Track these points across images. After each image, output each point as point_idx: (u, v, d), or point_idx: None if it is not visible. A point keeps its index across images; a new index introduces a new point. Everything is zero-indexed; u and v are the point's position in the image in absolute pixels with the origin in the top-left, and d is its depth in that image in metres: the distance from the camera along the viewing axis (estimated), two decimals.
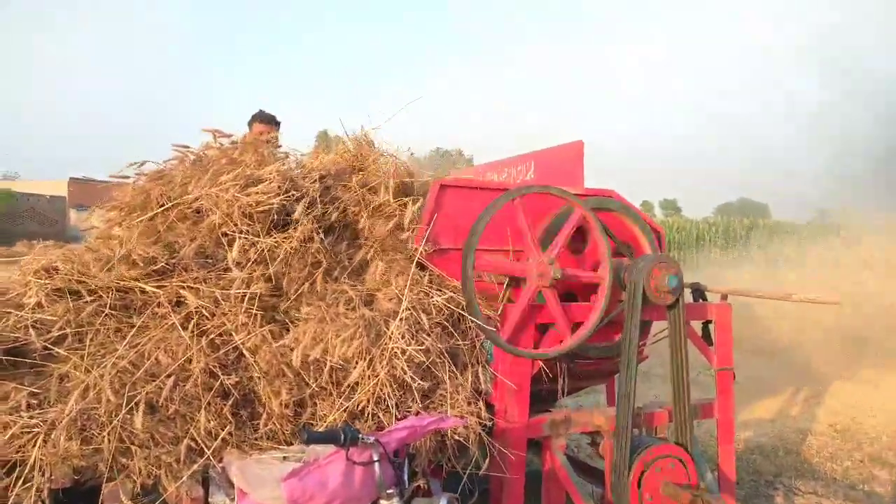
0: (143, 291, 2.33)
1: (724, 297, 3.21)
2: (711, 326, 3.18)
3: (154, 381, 2.17)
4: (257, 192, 2.33)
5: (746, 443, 5.48)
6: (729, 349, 3.11)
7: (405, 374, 2.30)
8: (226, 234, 2.33)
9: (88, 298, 2.26)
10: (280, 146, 4.25)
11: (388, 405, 2.35)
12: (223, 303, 2.28)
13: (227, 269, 2.33)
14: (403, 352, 2.29)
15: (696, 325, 3.19)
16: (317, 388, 2.33)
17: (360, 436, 1.70)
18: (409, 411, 2.41)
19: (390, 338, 2.34)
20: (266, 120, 4.30)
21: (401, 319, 2.39)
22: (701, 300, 3.25)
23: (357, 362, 2.26)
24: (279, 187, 2.38)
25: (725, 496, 2.98)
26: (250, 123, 4.31)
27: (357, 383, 2.31)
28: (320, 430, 2.10)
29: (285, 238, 2.38)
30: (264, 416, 2.31)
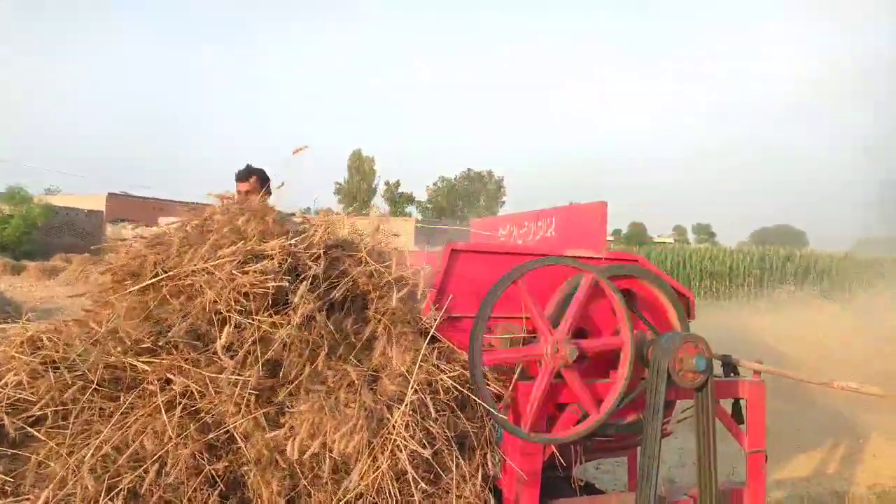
0: (132, 367, 2.22)
1: (758, 372, 2.98)
2: (743, 403, 2.95)
3: (138, 466, 2.05)
4: (255, 272, 2.19)
5: None
6: (762, 430, 2.87)
7: (408, 467, 2.14)
8: (219, 313, 2.19)
9: (73, 375, 2.14)
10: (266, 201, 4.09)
11: (388, 494, 2.19)
12: (213, 388, 2.14)
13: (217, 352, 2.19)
14: (406, 445, 2.13)
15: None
16: (312, 479, 2.18)
17: None
18: (411, 499, 2.25)
19: (394, 426, 2.18)
20: (237, 178, 3.99)
21: (406, 405, 2.22)
22: (732, 374, 3.02)
23: (357, 458, 2.10)
24: (280, 265, 2.25)
25: None
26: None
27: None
28: None
29: (284, 321, 2.24)
30: None
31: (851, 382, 2.45)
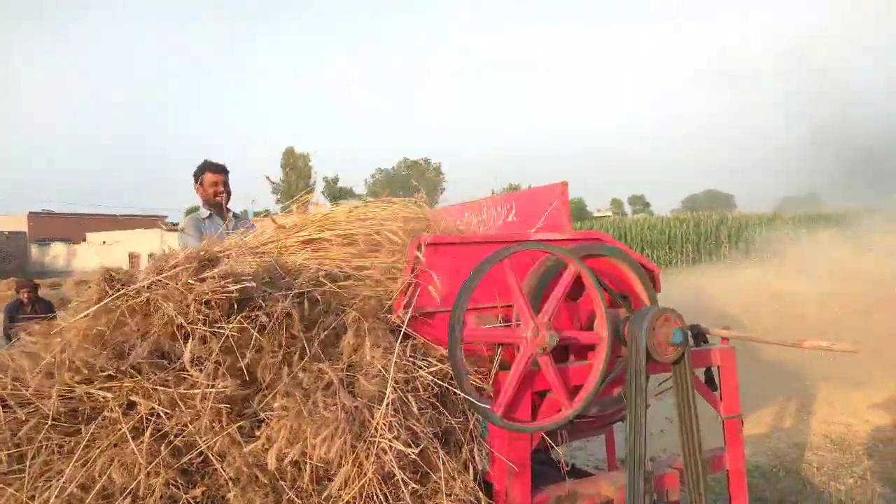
0: (90, 396, 2.06)
1: (727, 339, 3.02)
2: (715, 370, 3.00)
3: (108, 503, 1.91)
4: (213, 277, 2.07)
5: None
6: (736, 395, 2.93)
7: (395, 469, 2.06)
8: (181, 328, 2.06)
9: (27, 411, 1.98)
10: (229, 193, 4.13)
11: (376, 501, 2.11)
12: (183, 407, 2.01)
13: (185, 368, 2.06)
14: (392, 447, 2.05)
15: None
16: (296, 492, 2.08)
17: None
18: (400, 502, 2.18)
19: (376, 429, 2.10)
20: (216, 169, 4.14)
21: (386, 405, 2.15)
22: (702, 343, 3.06)
23: (341, 464, 2.01)
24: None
25: None
26: (198, 175, 4.12)
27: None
28: None
29: (252, 324, 2.12)
30: None
31: (822, 341, 2.50)
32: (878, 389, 7.08)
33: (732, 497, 2.91)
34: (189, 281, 2.06)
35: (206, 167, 4.12)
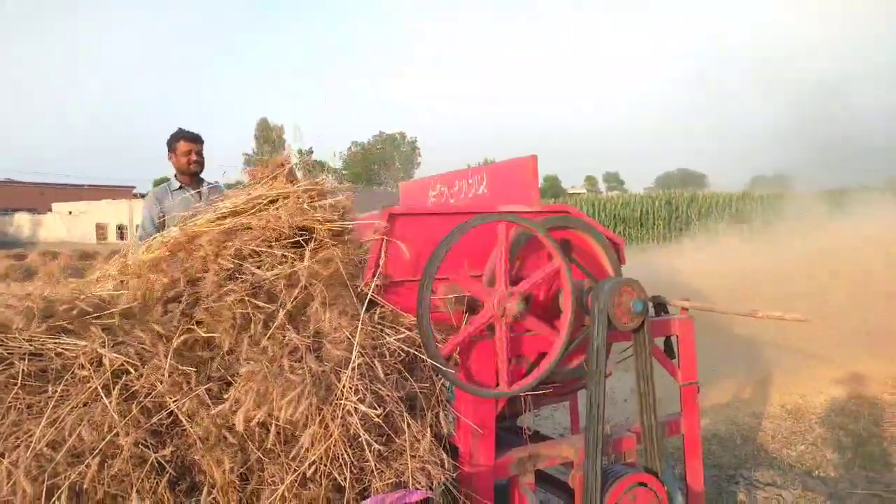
0: (58, 354, 2.10)
1: (686, 309, 3.13)
2: (674, 339, 3.10)
3: (78, 462, 1.94)
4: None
5: (704, 431, 5.52)
6: (693, 363, 3.04)
7: (360, 431, 2.13)
8: None
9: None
10: (202, 162, 4.12)
11: (342, 461, 2.18)
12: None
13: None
14: (357, 409, 2.11)
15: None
16: (264, 452, 2.14)
17: None
18: (366, 463, 2.25)
19: (342, 392, 2.15)
20: (191, 137, 4.09)
21: (352, 369, 2.20)
22: (663, 313, 3.16)
23: (307, 425, 2.07)
24: None
25: None
26: (172, 143, 4.07)
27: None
28: None
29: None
30: (206, 487, 2.10)
31: (774, 312, 2.61)
32: (835, 363, 7.33)
33: (687, 459, 3.04)
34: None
35: (181, 135, 4.07)
